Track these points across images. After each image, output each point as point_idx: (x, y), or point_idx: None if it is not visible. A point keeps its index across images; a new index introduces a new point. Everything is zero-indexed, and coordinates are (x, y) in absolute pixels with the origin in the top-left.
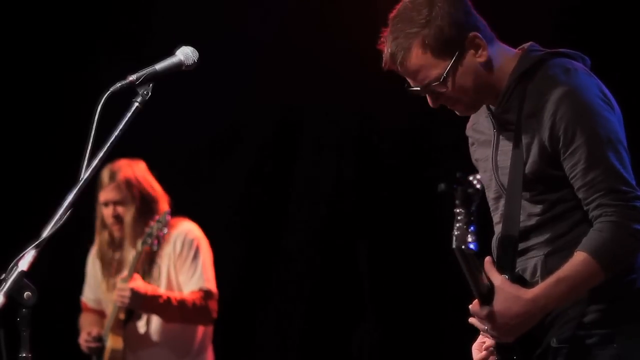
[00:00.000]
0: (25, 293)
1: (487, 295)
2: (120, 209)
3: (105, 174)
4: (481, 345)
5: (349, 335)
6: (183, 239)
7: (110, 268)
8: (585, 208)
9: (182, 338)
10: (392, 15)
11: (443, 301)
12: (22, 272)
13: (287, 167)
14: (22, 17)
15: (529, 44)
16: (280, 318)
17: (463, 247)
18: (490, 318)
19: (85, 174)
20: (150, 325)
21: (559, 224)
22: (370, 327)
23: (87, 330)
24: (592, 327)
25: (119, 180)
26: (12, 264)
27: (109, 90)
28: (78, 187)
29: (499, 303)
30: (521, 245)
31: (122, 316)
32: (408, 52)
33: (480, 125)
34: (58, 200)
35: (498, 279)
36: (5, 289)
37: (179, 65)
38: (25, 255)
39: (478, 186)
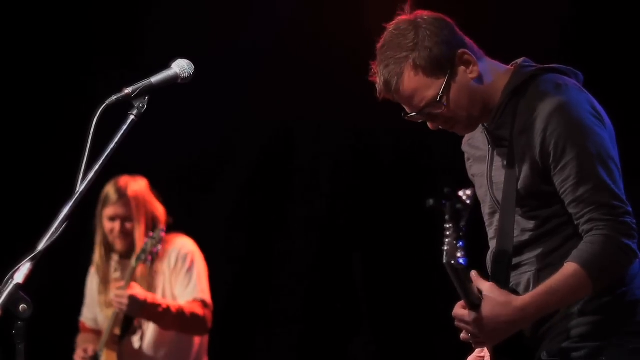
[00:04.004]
0: (21, 306)
1: (478, 305)
2: (128, 225)
3: (112, 190)
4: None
5: (345, 347)
6: (177, 253)
7: (108, 283)
8: (576, 223)
9: (178, 351)
10: (379, 45)
11: (438, 313)
12: (17, 285)
13: (282, 180)
14: (16, 30)
15: (521, 59)
16: (277, 331)
17: (452, 262)
18: (477, 322)
19: (80, 187)
20: (145, 339)
21: (552, 239)
22: (366, 340)
23: (83, 347)
24: (582, 340)
25: (129, 196)
26: (7, 277)
27: (104, 103)
28: (74, 200)
29: (487, 308)
30: (515, 260)
31: (117, 332)
32: (401, 76)
33: (475, 141)
34: (54, 213)
35: (486, 285)
36: (0, 302)
37: (175, 78)
38: (21, 267)
39: (468, 202)
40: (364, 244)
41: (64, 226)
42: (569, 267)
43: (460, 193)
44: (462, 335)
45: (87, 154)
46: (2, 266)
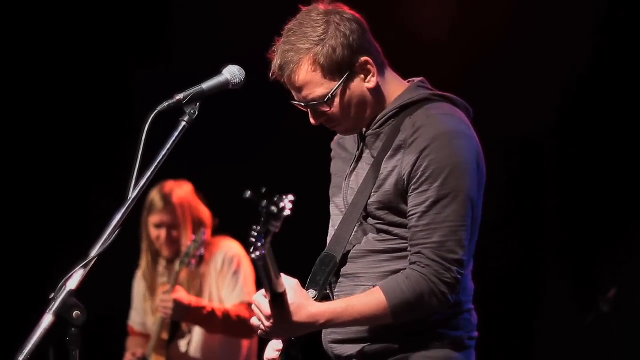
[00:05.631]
0: (75, 312)
1: (280, 295)
2: (174, 232)
3: (157, 197)
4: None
5: None
6: (224, 256)
7: (155, 289)
8: (408, 248)
9: (226, 355)
10: (287, 26)
11: None
12: (71, 292)
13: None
14: (57, 45)
15: (419, 78)
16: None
17: (253, 256)
18: (268, 314)
19: (133, 194)
20: (192, 344)
21: (398, 260)
22: None
23: (132, 351)
24: None
25: (175, 203)
26: (60, 284)
27: (156, 109)
28: (126, 206)
29: (282, 305)
30: (349, 269)
31: (165, 336)
32: (297, 66)
33: (345, 142)
34: (106, 220)
35: (291, 282)
36: (54, 308)
37: (226, 84)
38: (74, 274)
39: (285, 207)
40: None
41: (116, 233)
42: (375, 292)
43: (284, 197)
44: (252, 320)
45: (139, 160)
46: (55, 272)
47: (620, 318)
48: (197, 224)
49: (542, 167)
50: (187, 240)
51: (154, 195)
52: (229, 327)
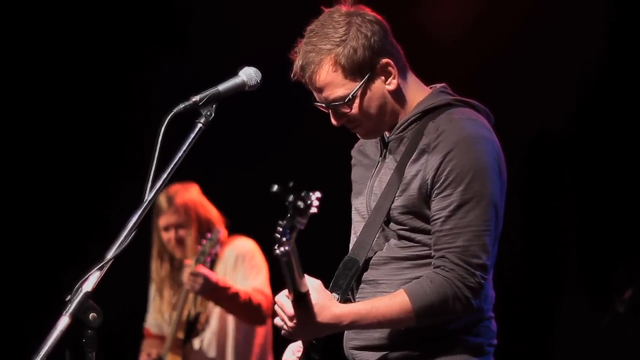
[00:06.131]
0: (91, 314)
1: (304, 295)
2: (181, 232)
3: (162, 200)
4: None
5: None
6: (236, 254)
7: (163, 290)
8: (432, 252)
9: (240, 352)
10: (309, 27)
11: None
12: (87, 294)
13: (344, 185)
14: (77, 52)
15: (441, 84)
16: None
17: (278, 252)
18: (292, 314)
19: (149, 195)
20: (207, 342)
21: (419, 268)
22: None
23: (146, 351)
24: None
25: (178, 204)
26: (77, 286)
27: (172, 111)
28: (142, 208)
29: (307, 305)
30: (370, 275)
31: (180, 335)
32: (318, 67)
33: (366, 149)
34: (123, 222)
35: (314, 283)
36: (70, 310)
37: (242, 86)
38: (90, 276)
39: (312, 204)
40: None
41: (132, 235)
42: (400, 295)
43: (311, 194)
44: (276, 320)
45: (155, 162)
46: (72, 274)
47: (637, 319)
48: (205, 224)
49: (559, 169)
50: (192, 239)
51: (160, 198)
52: (246, 310)
